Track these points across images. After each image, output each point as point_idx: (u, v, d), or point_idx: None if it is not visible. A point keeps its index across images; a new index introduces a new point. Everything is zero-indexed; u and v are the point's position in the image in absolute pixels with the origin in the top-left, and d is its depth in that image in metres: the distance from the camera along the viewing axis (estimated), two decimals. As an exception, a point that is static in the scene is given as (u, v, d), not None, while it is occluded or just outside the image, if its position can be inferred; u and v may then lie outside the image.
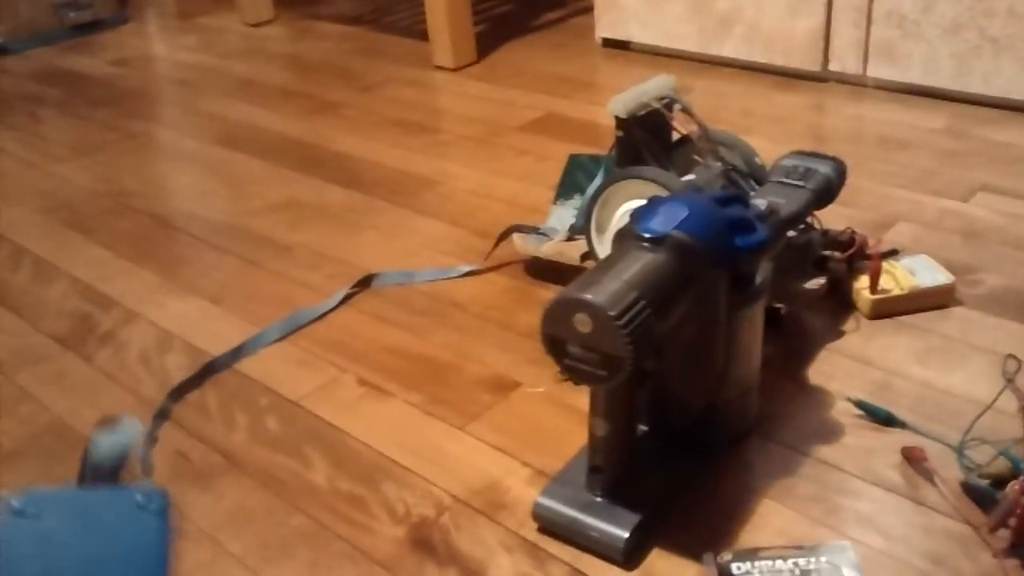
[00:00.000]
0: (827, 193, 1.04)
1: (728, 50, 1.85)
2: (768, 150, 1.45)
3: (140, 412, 1.00)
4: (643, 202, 0.84)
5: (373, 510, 0.85)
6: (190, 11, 2.68)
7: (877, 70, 1.68)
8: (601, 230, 1.03)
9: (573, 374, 0.74)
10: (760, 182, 1.07)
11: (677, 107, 1.05)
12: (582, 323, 0.71)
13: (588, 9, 2.21)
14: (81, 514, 0.28)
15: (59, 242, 1.39)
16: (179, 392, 1.02)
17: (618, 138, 1.03)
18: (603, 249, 1.03)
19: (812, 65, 1.76)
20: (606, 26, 2.02)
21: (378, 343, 1.10)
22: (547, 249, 1.16)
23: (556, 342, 0.73)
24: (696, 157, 1.07)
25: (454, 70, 1.99)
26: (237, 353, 1.08)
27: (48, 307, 1.22)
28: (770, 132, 1.58)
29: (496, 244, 1.23)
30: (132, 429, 0.37)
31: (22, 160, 1.72)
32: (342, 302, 1.17)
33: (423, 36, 2.07)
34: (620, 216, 1.01)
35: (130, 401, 1.02)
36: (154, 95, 2.04)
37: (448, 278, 1.21)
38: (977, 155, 1.44)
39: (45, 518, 0.27)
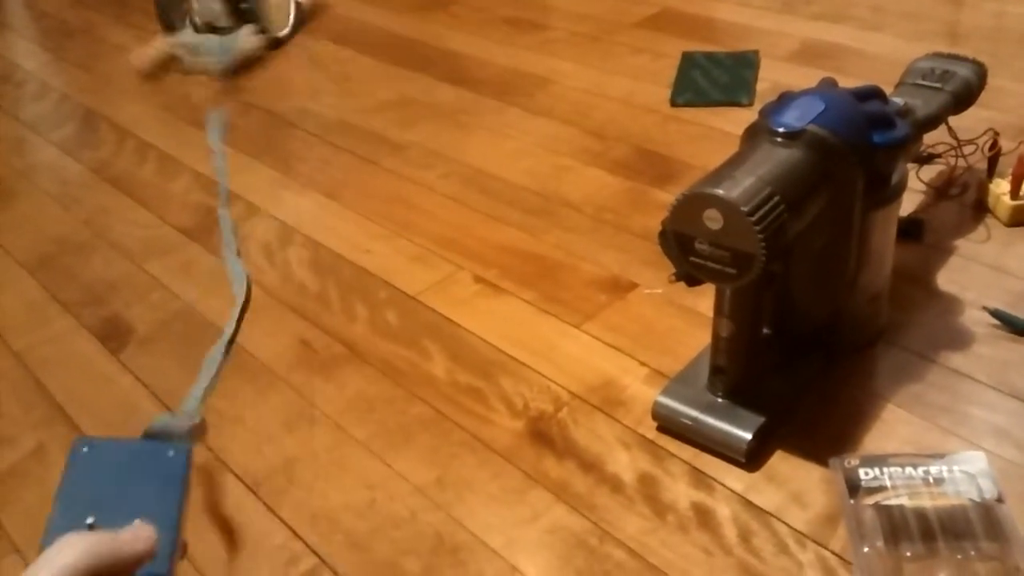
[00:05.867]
0: (966, 96, 0.98)
1: (858, -59, 1.73)
2: (900, 49, 1.37)
3: (265, 302, 1.03)
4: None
5: (492, 402, 0.86)
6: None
7: (1025, -39, 1.56)
8: None
9: (700, 272, 0.72)
10: None
11: None
12: (712, 219, 0.69)
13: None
14: (126, 452, 0.45)
15: (181, 138, 1.43)
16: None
17: None
18: None
19: (951, -44, 1.63)
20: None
21: (491, 241, 1.10)
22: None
23: (682, 239, 0.71)
24: None
25: (565, -35, 1.93)
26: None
27: (173, 200, 1.26)
28: (902, 29, 1.49)
29: None
30: (186, 429, 0.50)
31: (141, 58, 1.76)
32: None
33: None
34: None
35: (255, 291, 1.05)
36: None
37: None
38: None
39: (98, 450, 0.44)
